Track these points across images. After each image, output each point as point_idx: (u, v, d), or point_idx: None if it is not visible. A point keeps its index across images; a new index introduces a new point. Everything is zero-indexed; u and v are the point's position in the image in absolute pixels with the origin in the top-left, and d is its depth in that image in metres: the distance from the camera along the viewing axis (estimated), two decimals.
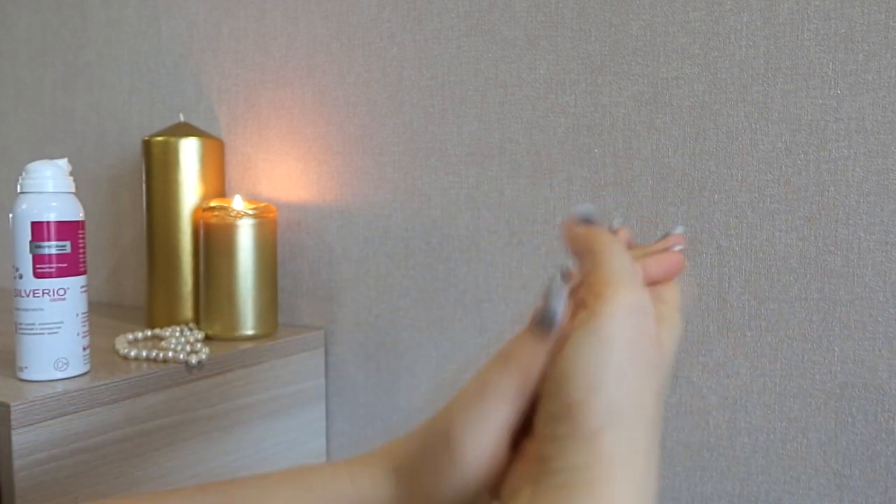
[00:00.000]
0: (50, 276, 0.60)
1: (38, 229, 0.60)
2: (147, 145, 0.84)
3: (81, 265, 0.62)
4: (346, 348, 0.85)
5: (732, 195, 0.62)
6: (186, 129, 0.85)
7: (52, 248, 0.60)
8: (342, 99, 0.84)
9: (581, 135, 0.69)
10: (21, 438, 0.56)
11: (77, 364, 0.62)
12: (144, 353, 0.70)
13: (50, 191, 0.61)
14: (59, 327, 0.61)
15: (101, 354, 0.70)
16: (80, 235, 0.62)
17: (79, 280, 0.62)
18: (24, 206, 0.60)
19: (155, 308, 0.86)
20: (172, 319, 0.84)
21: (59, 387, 0.60)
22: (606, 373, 0.31)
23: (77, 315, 0.62)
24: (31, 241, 0.60)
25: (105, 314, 0.95)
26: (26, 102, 1.19)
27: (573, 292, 0.35)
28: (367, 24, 0.81)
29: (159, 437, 0.66)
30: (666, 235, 0.40)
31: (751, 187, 0.62)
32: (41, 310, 0.60)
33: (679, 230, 0.40)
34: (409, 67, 0.79)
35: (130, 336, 0.78)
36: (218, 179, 0.88)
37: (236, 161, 0.92)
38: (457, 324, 0.77)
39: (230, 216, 0.77)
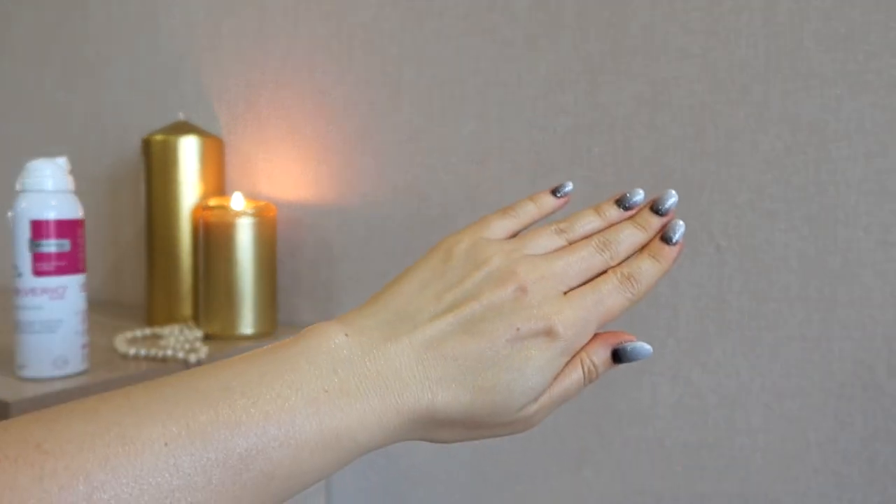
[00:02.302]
0: (49, 274, 0.60)
1: (38, 228, 0.60)
2: (147, 144, 0.84)
3: (81, 264, 0.62)
4: None
5: (732, 195, 0.62)
6: (186, 128, 0.85)
7: (51, 246, 0.60)
8: (342, 98, 0.84)
9: (581, 134, 0.69)
10: None
11: (76, 362, 0.62)
12: (143, 352, 0.70)
13: (49, 189, 0.61)
14: (59, 325, 0.61)
15: (100, 353, 0.70)
16: (80, 234, 0.62)
17: (78, 278, 0.62)
18: (23, 205, 0.60)
19: (154, 306, 0.86)
20: (172, 318, 0.84)
21: (58, 385, 0.59)
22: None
23: (76, 313, 0.62)
24: (30, 240, 0.60)
25: (104, 312, 0.95)
26: (26, 101, 1.19)
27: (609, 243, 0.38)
28: (367, 24, 0.81)
29: None
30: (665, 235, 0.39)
31: (750, 187, 0.62)
32: (40, 308, 0.60)
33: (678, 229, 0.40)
34: (408, 67, 0.79)
35: (129, 334, 0.78)
36: (217, 178, 0.88)
37: (236, 160, 0.92)
38: None
39: (230, 215, 0.77)
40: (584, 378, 0.37)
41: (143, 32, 1.02)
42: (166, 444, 0.28)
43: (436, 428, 0.35)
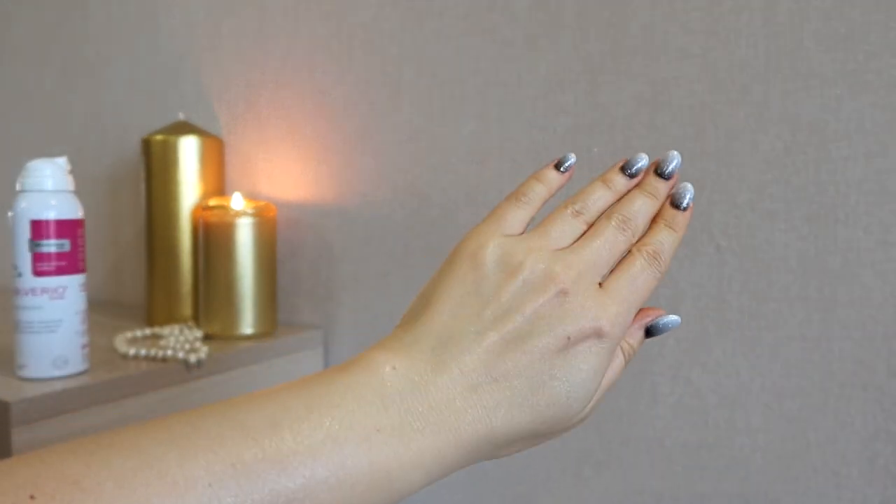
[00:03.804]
0: (49, 274, 0.60)
1: (38, 228, 0.60)
2: (147, 144, 0.84)
3: (81, 263, 0.62)
4: (346, 347, 0.85)
5: (732, 195, 0.62)
6: (186, 128, 0.85)
7: (51, 246, 0.60)
8: (342, 98, 0.84)
9: (580, 134, 0.69)
10: (20, 437, 0.56)
11: (76, 362, 0.62)
12: (144, 352, 0.70)
13: (49, 189, 0.61)
14: (59, 325, 0.61)
15: (100, 353, 0.70)
16: (80, 234, 0.62)
17: (78, 278, 0.62)
18: (23, 205, 0.60)
19: (154, 306, 0.86)
20: (172, 318, 0.84)
21: (58, 385, 0.59)
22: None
23: (76, 313, 0.62)
24: (30, 240, 0.60)
25: (104, 312, 0.95)
26: (26, 101, 1.19)
27: (623, 222, 0.38)
28: (367, 24, 0.81)
29: None
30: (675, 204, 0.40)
31: (750, 187, 0.62)
32: (40, 308, 0.60)
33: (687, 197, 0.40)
34: (408, 67, 0.79)
35: (130, 334, 0.78)
36: (217, 178, 0.88)
37: (236, 160, 0.92)
38: None
39: (230, 215, 0.77)
40: (626, 361, 0.37)
41: (143, 32, 1.02)
42: (210, 486, 0.27)
43: (496, 449, 0.34)
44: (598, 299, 0.35)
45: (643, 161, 0.40)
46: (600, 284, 0.36)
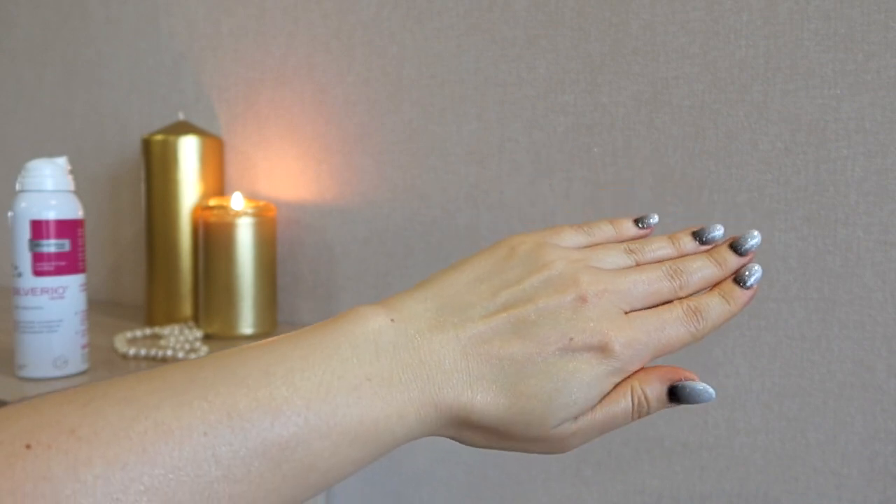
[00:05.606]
0: (49, 274, 0.60)
1: (38, 228, 0.60)
2: (146, 144, 0.84)
3: (81, 263, 0.62)
4: None
5: (732, 195, 0.62)
6: (186, 128, 0.85)
7: (51, 246, 0.60)
8: (342, 97, 0.84)
9: (580, 134, 0.69)
10: None
11: (76, 362, 0.62)
12: (143, 352, 0.70)
13: (49, 189, 0.61)
14: (58, 325, 0.61)
15: (100, 353, 0.70)
16: (80, 234, 0.62)
17: (78, 278, 0.62)
18: (23, 205, 0.60)
19: (154, 306, 0.86)
20: (172, 318, 0.84)
21: (58, 385, 0.60)
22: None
23: (76, 313, 0.62)
24: (30, 240, 0.60)
25: (104, 312, 0.95)
26: (26, 101, 1.19)
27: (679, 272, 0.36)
28: (367, 23, 0.81)
29: None
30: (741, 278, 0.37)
31: (750, 187, 0.62)
32: (40, 308, 0.60)
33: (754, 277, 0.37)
34: (408, 66, 0.79)
35: (130, 334, 0.78)
36: (217, 178, 0.88)
37: (236, 160, 0.92)
38: None
39: (229, 215, 0.77)
40: (633, 409, 0.35)
41: (143, 32, 1.02)
42: (205, 434, 0.27)
43: (468, 430, 0.33)
44: (614, 319, 0.34)
45: (718, 232, 0.38)
46: (626, 315, 0.34)
